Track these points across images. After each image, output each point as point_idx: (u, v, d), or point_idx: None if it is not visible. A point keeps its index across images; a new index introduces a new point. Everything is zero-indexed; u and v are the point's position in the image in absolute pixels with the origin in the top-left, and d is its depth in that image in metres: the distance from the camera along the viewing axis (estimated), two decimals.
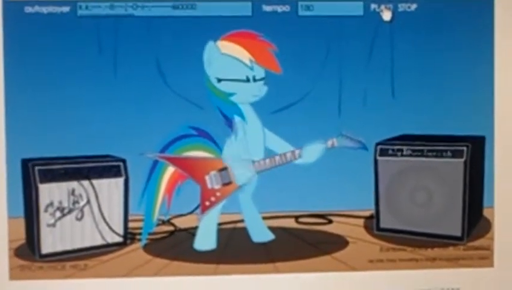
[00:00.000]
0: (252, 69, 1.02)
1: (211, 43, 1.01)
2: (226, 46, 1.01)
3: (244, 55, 1.01)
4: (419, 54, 1.03)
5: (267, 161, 1.03)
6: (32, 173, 0.99)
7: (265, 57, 1.02)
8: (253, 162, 1.04)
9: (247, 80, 1.02)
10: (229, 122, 1.03)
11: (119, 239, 1.03)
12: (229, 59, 1.01)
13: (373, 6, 1.03)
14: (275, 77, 1.02)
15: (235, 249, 1.03)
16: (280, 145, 1.03)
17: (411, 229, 1.05)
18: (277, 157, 1.03)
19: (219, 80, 1.01)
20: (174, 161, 1.03)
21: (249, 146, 1.04)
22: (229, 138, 1.03)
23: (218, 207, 1.04)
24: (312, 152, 1.03)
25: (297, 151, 1.03)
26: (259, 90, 1.02)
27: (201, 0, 1.01)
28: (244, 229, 1.04)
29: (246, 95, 1.03)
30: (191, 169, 1.03)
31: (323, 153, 1.03)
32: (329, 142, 1.03)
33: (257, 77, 1.02)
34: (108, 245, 1.03)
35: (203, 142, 1.03)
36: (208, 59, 1.01)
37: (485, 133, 1.04)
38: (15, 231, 1.00)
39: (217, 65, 1.01)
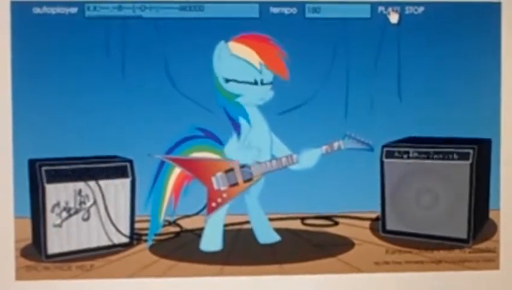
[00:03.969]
0: (260, 72, 1.02)
1: (221, 43, 1.01)
2: (237, 48, 1.01)
3: (254, 58, 1.02)
4: (426, 56, 1.04)
5: (274, 162, 1.04)
6: (39, 173, 0.99)
7: (275, 62, 1.02)
8: (259, 163, 1.04)
9: (255, 83, 1.02)
10: (234, 124, 1.03)
11: (125, 240, 1.03)
12: (239, 61, 1.02)
13: (380, 8, 1.03)
14: (282, 78, 1.02)
15: (241, 250, 1.03)
16: (283, 152, 1.04)
17: (417, 231, 1.05)
18: (283, 159, 1.04)
19: (227, 81, 1.01)
20: (180, 162, 1.03)
21: (253, 148, 1.04)
22: (231, 138, 1.03)
23: (225, 208, 1.04)
24: (309, 158, 1.03)
25: (294, 156, 1.03)
26: (266, 94, 1.03)
27: (208, 1, 1.01)
28: (250, 231, 1.04)
29: (252, 97, 1.03)
30: (197, 170, 1.03)
31: (329, 155, 1.03)
32: (335, 145, 1.03)
33: (265, 81, 1.02)
34: (114, 246, 1.03)
35: (210, 144, 1.03)
36: (217, 59, 1.01)
37: (491, 136, 1.05)
38: (21, 231, 1.00)
39: (226, 66, 1.01)
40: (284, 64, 1.02)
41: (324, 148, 1.03)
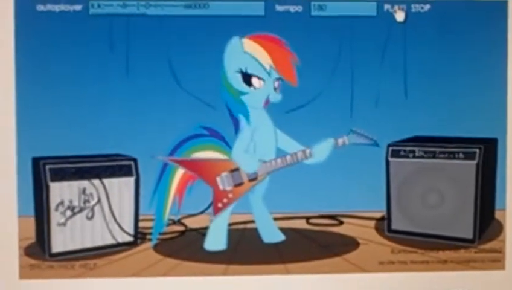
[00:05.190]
0: (269, 74, 1.01)
1: (236, 38, 1.00)
2: (250, 45, 1.01)
3: (265, 59, 1.01)
4: (432, 54, 1.03)
5: (279, 160, 1.03)
6: (43, 172, 0.99)
7: (286, 67, 1.01)
8: (264, 162, 1.03)
9: None
10: (235, 121, 1.03)
11: (129, 239, 1.03)
12: (250, 58, 1.01)
13: (386, 6, 1.02)
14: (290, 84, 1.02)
15: (245, 249, 1.03)
16: (291, 146, 1.03)
17: (422, 231, 1.04)
18: (288, 157, 1.03)
19: (240, 72, 1.00)
20: (184, 164, 1.02)
21: (257, 147, 1.03)
22: (237, 141, 1.03)
23: (229, 207, 1.03)
24: (322, 151, 1.03)
25: (308, 151, 1.03)
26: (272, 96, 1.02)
27: None
28: (255, 230, 1.04)
29: (257, 97, 1.02)
30: (202, 171, 1.03)
31: (335, 154, 1.03)
32: (340, 141, 1.03)
33: None
34: (118, 245, 1.03)
35: (215, 143, 1.03)
36: (229, 53, 1.00)
37: (498, 135, 1.04)
38: (25, 229, 1.00)
39: (237, 61, 1.01)
40: (294, 70, 1.01)
41: (340, 141, 1.03)
